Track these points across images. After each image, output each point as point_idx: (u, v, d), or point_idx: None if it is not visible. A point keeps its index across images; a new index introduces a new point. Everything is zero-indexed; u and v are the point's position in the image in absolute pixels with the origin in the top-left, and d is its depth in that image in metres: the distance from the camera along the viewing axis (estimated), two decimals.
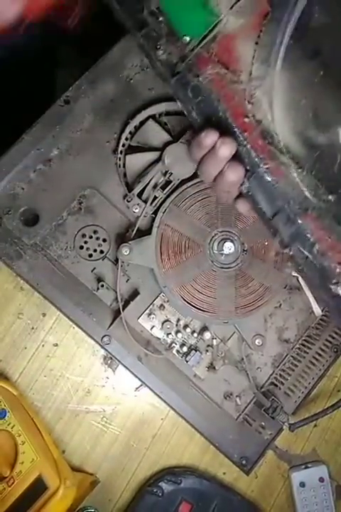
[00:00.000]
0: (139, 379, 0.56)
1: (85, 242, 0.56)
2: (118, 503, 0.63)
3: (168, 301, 0.56)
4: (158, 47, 0.38)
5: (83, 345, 0.61)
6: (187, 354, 0.57)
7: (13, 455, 0.53)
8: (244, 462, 0.58)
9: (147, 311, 0.56)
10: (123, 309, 0.54)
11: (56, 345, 0.61)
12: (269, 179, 0.39)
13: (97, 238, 0.56)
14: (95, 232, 0.56)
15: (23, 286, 0.60)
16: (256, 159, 0.38)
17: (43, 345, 0.61)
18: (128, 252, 0.53)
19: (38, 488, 0.52)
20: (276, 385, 0.59)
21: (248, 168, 0.39)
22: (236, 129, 0.38)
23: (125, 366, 0.56)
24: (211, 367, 0.57)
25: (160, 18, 0.37)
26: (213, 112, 0.38)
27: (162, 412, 0.63)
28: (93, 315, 0.55)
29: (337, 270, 0.40)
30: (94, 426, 0.62)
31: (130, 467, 0.63)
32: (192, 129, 0.41)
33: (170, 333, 0.57)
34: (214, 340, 0.58)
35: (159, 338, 0.57)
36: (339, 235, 0.40)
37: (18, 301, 0.60)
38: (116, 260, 0.55)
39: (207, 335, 0.57)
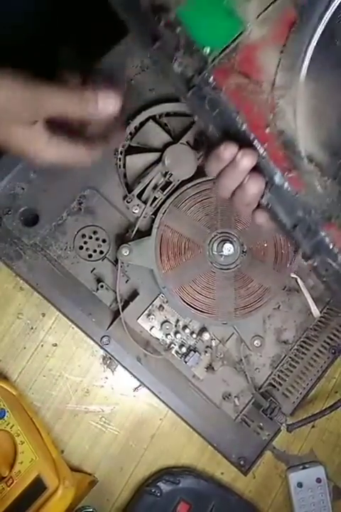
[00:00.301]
0: (138, 379, 0.57)
1: (85, 243, 0.56)
2: (116, 503, 0.63)
3: (167, 301, 0.57)
4: (174, 59, 0.36)
5: (82, 345, 0.61)
6: (186, 355, 0.57)
7: (12, 455, 0.53)
8: (242, 462, 0.59)
9: (146, 312, 0.57)
10: (122, 310, 0.55)
11: (55, 345, 0.61)
12: (290, 189, 0.38)
13: (97, 239, 0.56)
14: (95, 232, 0.56)
15: (22, 286, 0.60)
16: (276, 170, 0.38)
17: (42, 345, 0.61)
18: (127, 252, 0.53)
19: (36, 488, 0.52)
20: (274, 386, 0.59)
21: (267, 179, 0.38)
22: (255, 141, 0.37)
23: (124, 366, 0.56)
24: (210, 367, 0.58)
25: (178, 30, 0.35)
26: (232, 124, 0.37)
27: (161, 412, 0.63)
28: (92, 315, 0.55)
29: None
30: (92, 426, 0.62)
31: (128, 467, 0.63)
32: (208, 143, 0.40)
33: (169, 334, 0.57)
34: (213, 341, 0.58)
35: (158, 339, 0.57)
36: None
37: (18, 301, 0.60)
38: (116, 261, 0.55)
39: (206, 336, 0.57)
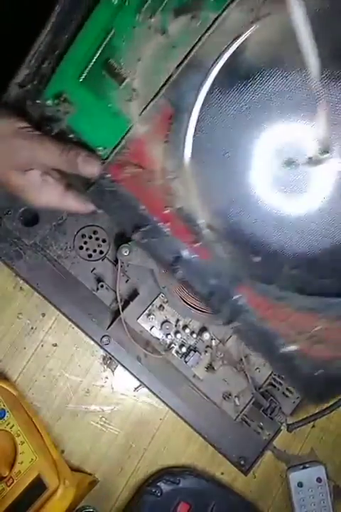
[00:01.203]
0: (138, 379, 0.57)
1: (85, 243, 0.56)
2: (117, 503, 0.63)
3: (167, 301, 0.57)
4: None
5: (82, 345, 0.61)
6: (186, 354, 0.57)
7: (12, 455, 0.53)
8: (242, 462, 0.59)
9: (146, 312, 0.57)
10: (122, 310, 0.55)
11: (55, 345, 0.61)
12: (198, 260, 0.42)
13: (97, 239, 0.56)
14: (95, 232, 0.56)
15: (22, 286, 0.60)
16: (182, 245, 0.42)
17: (42, 345, 0.61)
18: (127, 252, 0.53)
19: (37, 488, 0.52)
20: (275, 386, 0.59)
21: (176, 255, 0.42)
22: (158, 222, 0.41)
23: (124, 366, 0.56)
24: (210, 367, 0.58)
25: (71, 136, 0.39)
26: (134, 211, 0.41)
27: (161, 412, 0.63)
28: (92, 315, 0.55)
29: (281, 330, 0.43)
30: (93, 426, 0.62)
31: (129, 467, 0.63)
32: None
33: (169, 334, 0.57)
34: (213, 341, 0.58)
35: (158, 339, 0.57)
36: (274, 295, 0.43)
37: (18, 301, 0.60)
38: (116, 261, 0.55)
39: (206, 335, 0.57)
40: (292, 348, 0.43)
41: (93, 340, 0.56)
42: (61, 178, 0.41)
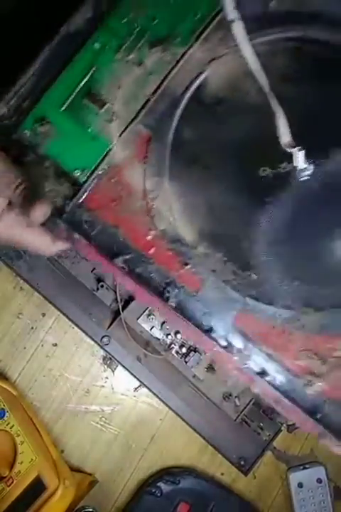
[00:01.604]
0: (138, 379, 0.57)
1: None
2: (116, 503, 0.63)
3: None
4: (42, 192, 0.39)
5: (82, 345, 0.61)
6: (186, 355, 0.57)
7: (12, 455, 0.53)
8: (242, 463, 0.59)
9: (146, 312, 0.56)
10: (122, 310, 0.54)
11: (55, 345, 0.61)
12: (187, 287, 0.40)
13: None
14: None
15: (22, 286, 0.60)
16: (167, 272, 0.41)
17: (43, 345, 0.61)
18: None
19: (36, 488, 0.52)
20: None
21: (166, 281, 0.40)
22: (139, 251, 0.40)
23: (124, 366, 0.56)
24: (210, 368, 0.58)
25: (46, 164, 0.39)
26: (112, 240, 0.40)
27: (161, 412, 0.63)
28: (92, 315, 0.55)
29: (299, 364, 0.40)
30: (93, 426, 0.62)
31: (129, 467, 0.63)
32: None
33: (169, 334, 0.57)
34: None
35: (158, 339, 0.57)
36: (280, 317, 0.40)
37: (18, 301, 0.60)
38: None
39: None
40: (319, 386, 0.39)
41: (93, 340, 0.56)
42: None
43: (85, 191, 0.40)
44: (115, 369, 0.62)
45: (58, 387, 0.61)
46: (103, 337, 0.55)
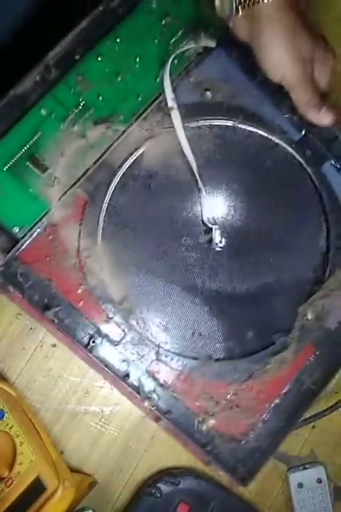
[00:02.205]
0: None
1: None
2: (116, 504, 0.63)
3: None
4: None
5: None
6: None
7: (11, 456, 0.53)
8: None
9: None
10: None
11: (54, 345, 0.61)
12: (111, 338, 0.46)
13: None
14: None
15: None
16: (93, 324, 0.46)
17: (42, 346, 0.61)
18: None
19: (36, 489, 0.51)
20: None
21: (90, 334, 0.46)
22: (69, 303, 0.45)
23: None
24: None
25: None
26: (45, 292, 0.44)
27: None
28: None
29: (199, 404, 0.48)
30: (92, 427, 0.62)
31: (128, 468, 0.63)
32: None
33: None
34: None
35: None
36: (188, 367, 0.48)
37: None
38: None
39: None
40: (211, 422, 0.47)
41: None
42: None
43: (22, 245, 0.43)
44: None
45: (57, 387, 0.61)
46: None
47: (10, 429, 0.54)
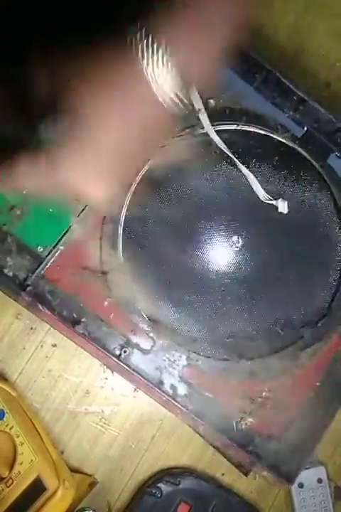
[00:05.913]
0: None
1: None
2: (116, 504, 0.63)
3: None
4: (5, 265, 0.44)
5: None
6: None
7: (11, 456, 0.53)
8: (243, 463, 0.58)
9: None
10: None
11: (55, 345, 0.61)
12: (142, 347, 0.47)
13: None
14: None
15: None
16: (123, 335, 0.46)
17: (42, 346, 0.61)
18: None
19: (36, 489, 0.51)
20: None
21: (121, 344, 0.46)
22: (97, 315, 0.46)
23: None
24: None
25: (8, 239, 0.44)
26: (73, 308, 0.45)
27: (161, 412, 0.63)
28: None
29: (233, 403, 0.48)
30: (92, 427, 0.62)
31: (129, 468, 0.63)
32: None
33: None
34: None
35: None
36: (218, 368, 0.48)
37: None
38: None
39: None
40: (249, 421, 0.47)
41: None
42: None
43: (47, 264, 0.45)
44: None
45: (58, 388, 0.61)
46: None
47: (10, 429, 0.54)
